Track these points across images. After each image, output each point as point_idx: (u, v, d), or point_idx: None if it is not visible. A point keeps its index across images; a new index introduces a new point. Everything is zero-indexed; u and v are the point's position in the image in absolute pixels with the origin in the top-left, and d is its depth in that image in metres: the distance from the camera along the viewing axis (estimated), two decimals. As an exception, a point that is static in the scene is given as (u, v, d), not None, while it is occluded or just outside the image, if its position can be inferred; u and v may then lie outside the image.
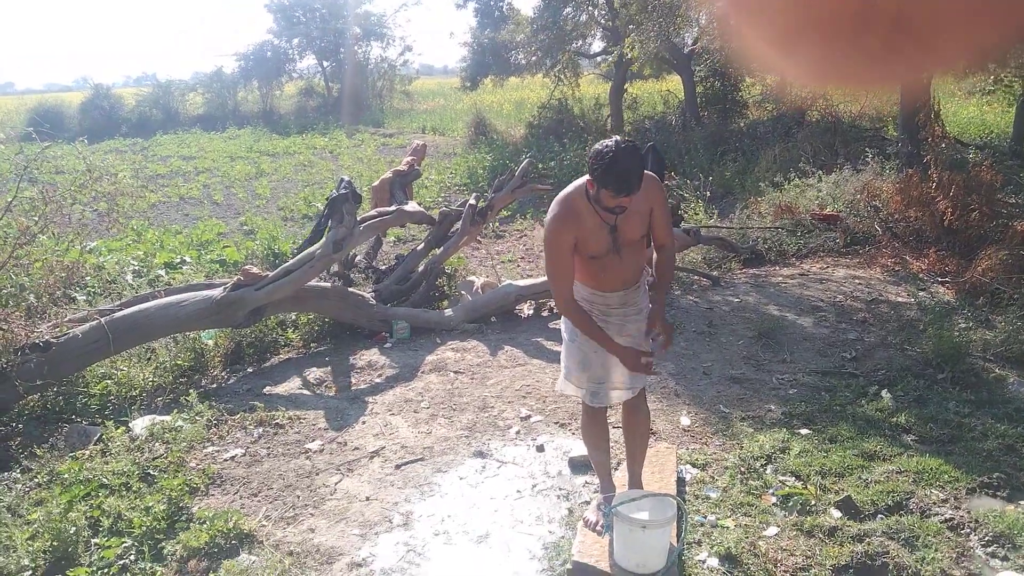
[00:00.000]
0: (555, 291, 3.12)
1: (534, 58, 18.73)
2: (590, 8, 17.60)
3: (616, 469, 3.81)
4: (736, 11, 0.64)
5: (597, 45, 19.71)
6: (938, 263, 7.12)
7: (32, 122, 19.91)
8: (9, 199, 5.69)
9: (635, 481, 3.51)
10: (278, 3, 31.38)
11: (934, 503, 3.54)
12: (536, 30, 17.66)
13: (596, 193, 2.85)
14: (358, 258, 8.02)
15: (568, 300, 3.04)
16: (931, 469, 3.79)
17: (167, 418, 4.65)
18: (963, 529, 3.35)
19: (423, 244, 7.65)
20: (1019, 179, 9.24)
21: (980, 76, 10.87)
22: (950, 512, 3.46)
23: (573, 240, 2.95)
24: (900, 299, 6.59)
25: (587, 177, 2.88)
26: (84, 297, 6.64)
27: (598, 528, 3.33)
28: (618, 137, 2.85)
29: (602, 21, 17.89)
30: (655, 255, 3.18)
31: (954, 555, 3.18)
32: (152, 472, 4.04)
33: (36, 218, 5.70)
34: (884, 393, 4.74)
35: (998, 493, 3.63)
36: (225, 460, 4.34)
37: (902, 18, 0.53)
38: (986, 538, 3.26)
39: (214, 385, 5.59)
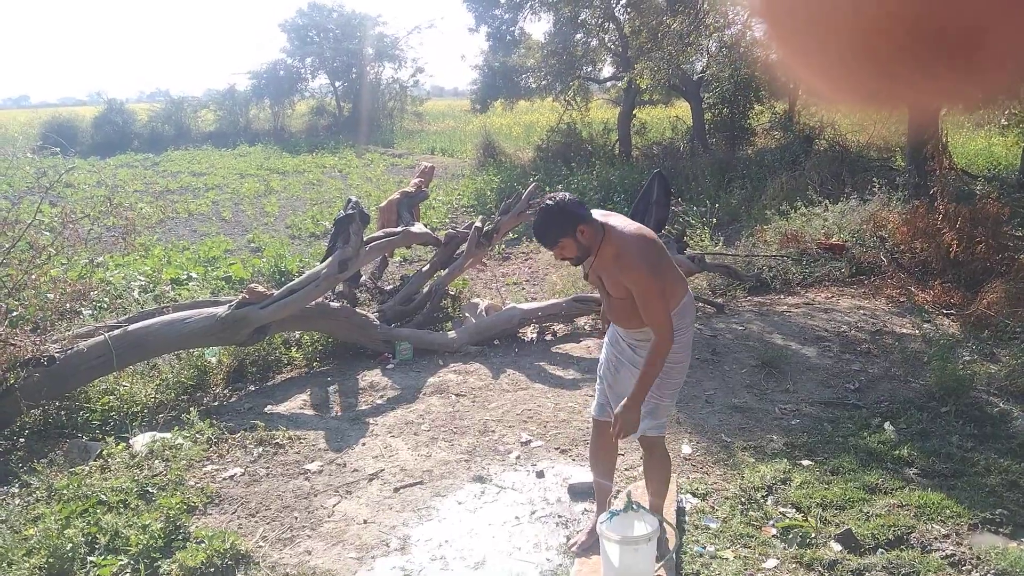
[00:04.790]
0: None
1: (544, 82, 18.85)
2: (600, 35, 17.74)
3: (616, 496, 3.80)
4: (776, 31, 0.64)
5: (607, 70, 19.84)
6: (943, 295, 7.10)
7: (45, 136, 20.10)
8: (30, 220, 5.76)
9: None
10: (292, 23, 31.79)
11: (935, 538, 3.51)
12: (547, 55, 17.79)
13: None
14: (363, 278, 8.04)
15: None
16: (933, 504, 3.76)
17: (168, 435, 4.65)
18: (964, 566, 3.32)
19: (428, 265, 7.67)
20: (1026, 212, 9.24)
21: (990, 110, 10.87)
22: (951, 548, 3.43)
23: None
24: (904, 331, 6.56)
25: None
26: (90, 312, 6.67)
27: (574, 549, 3.45)
28: (559, 195, 3.04)
29: (612, 47, 18.03)
30: None
31: (955, 593, 3.15)
32: (151, 489, 4.03)
33: (53, 239, 5.78)
34: (887, 425, 4.72)
35: (1000, 530, 3.60)
36: (224, 479, 4.33)
37: (957, 35, 0.52)
38: (988, 576, 3.23)
39: (216, 403, 5.59)
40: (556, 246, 2.98)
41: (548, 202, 2.98)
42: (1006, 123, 10.74)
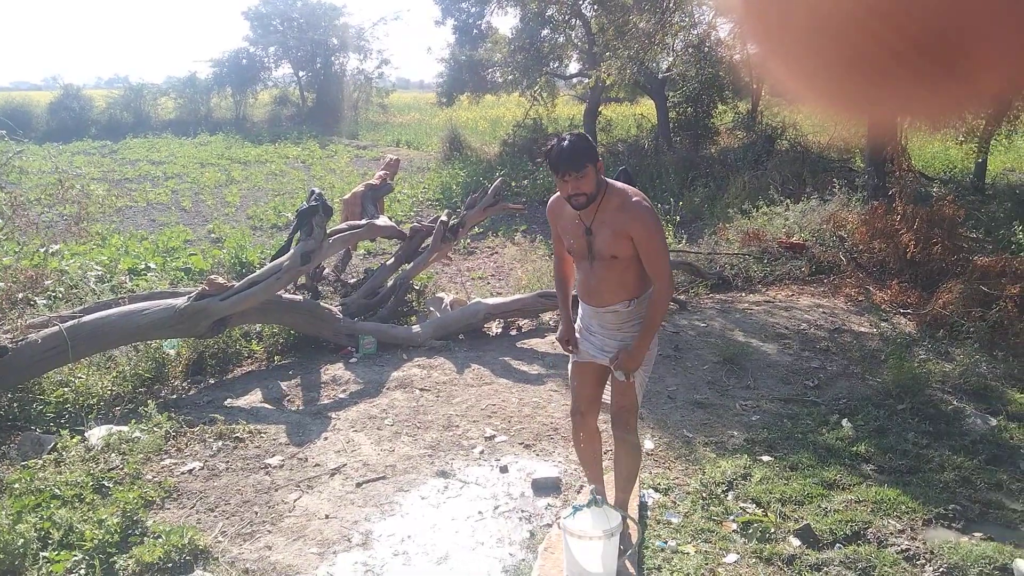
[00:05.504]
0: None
1: (511, 77, 18.84)
2: (567, 31, 17.76)
3: (579, 491, 3.82)
4: (767, 47, 0.63)
5: (573, 67, 19.87)
6: (900, 295, 7.24)
7: (-3, 121, 19.55)
8: None
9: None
10: (255, 11, 31.29)
11: (891, 533, 3.58)
12: (514, 50, 17.79)
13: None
14: (327, 271, 7.96)
15: (555, 259, 3.60)
16: (889, 499, 3.84)
17: (125, 428, 4.56)
18: (919, 560, 3.39)
19: (393, 259, 7.61)
20: (980, 215, 9.47)
21: (952, 121, 11.09)
22: (907, 543, 3.51)
23: (555, 220, 3.32)
24: (862, 329, 6.69)
25: None
26: (45, 302, 6.51)
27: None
28: (577, 132, 3.19)
29: (579, 44, 18.06)
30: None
31: (909, 586, 3.21)
32: (107, 484, 3.95)
33: (3, 224, 5.62)
34: (845, 422, 4.80)
35: (953, 524, 3.70)
36: (182, 473, 4.26)
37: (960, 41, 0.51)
38: (940, 569, 3.31)
39: (174, 396, 5.49)
40: (583, 171, 2.96)
41: (573, 133, 3.09)
42: (963, 139, 10.97)
